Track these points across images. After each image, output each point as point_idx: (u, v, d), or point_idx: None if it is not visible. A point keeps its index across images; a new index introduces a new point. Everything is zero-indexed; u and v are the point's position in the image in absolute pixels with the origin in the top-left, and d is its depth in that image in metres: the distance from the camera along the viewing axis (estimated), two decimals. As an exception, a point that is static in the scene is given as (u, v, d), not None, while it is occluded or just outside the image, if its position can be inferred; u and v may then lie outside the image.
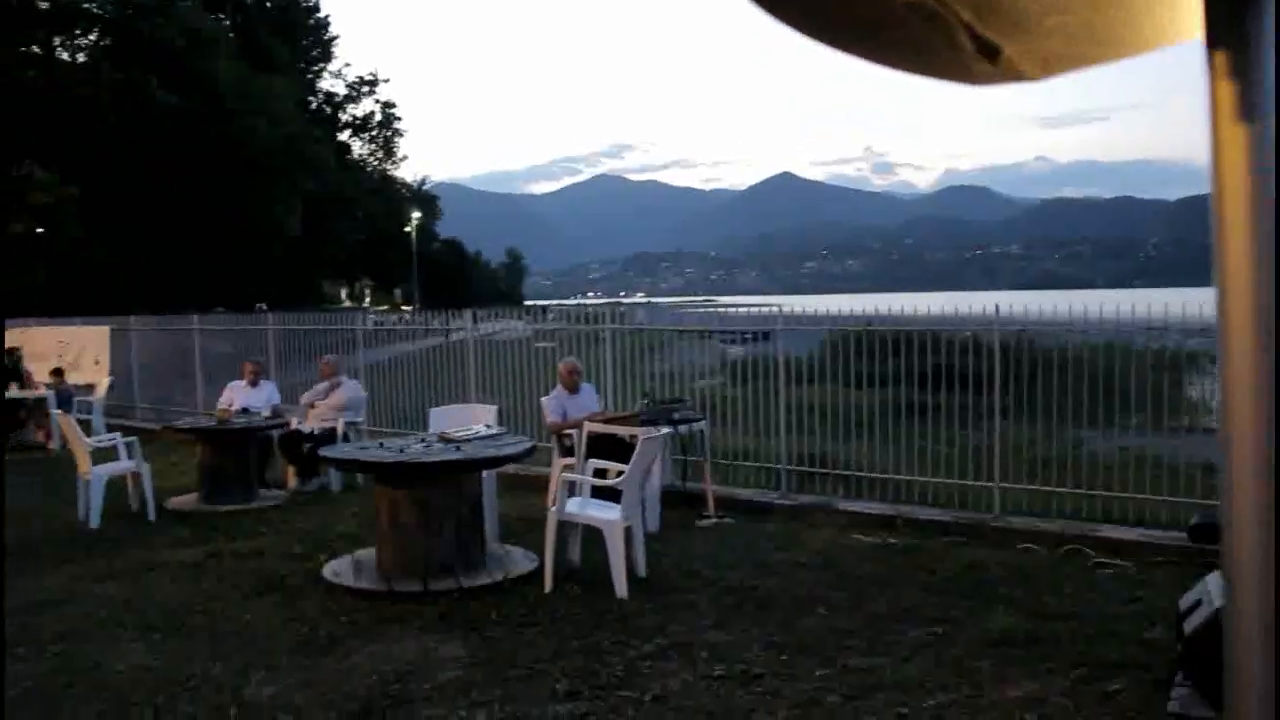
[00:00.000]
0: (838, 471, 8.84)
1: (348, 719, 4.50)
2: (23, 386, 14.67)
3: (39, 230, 26.00)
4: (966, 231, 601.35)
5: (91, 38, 32.72)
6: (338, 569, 6.80)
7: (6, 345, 15.89)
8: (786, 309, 10.04)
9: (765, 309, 9.99)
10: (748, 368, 9.73)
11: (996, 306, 8.10)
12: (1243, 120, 0.48)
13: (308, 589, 6.58)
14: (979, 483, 8.08)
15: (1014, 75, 0.62)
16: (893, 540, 7.51)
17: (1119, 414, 7.82)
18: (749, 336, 11.28)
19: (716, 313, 18.59)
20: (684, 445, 9.04)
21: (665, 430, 7.78)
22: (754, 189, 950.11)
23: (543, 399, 8.85)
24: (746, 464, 9.32)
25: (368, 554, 7.04)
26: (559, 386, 8.60)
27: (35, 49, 31.09)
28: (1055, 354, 8.01)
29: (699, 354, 11.06)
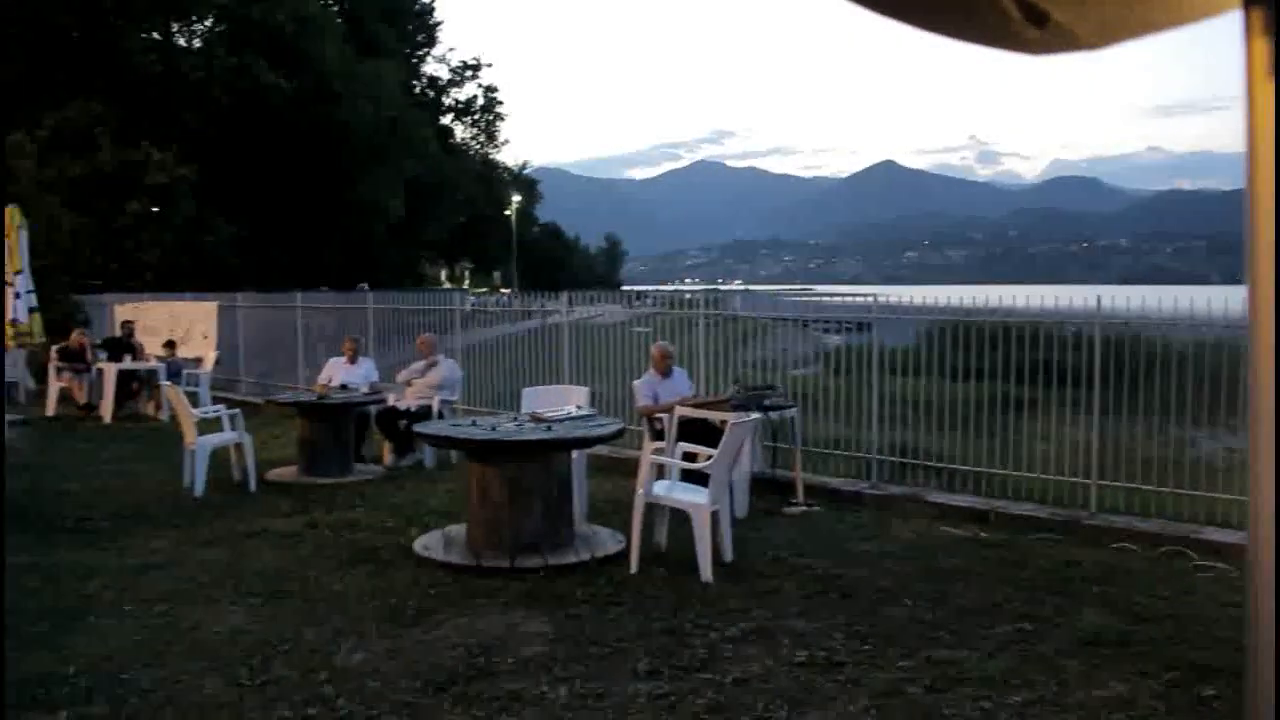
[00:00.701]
0: (930, 463, 8.74)
1: (433, 688, 4.59)
2: (135, 359, 15.21)
3: (154, 209, 26.82)
4: (1073, 223, 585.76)
5: (206, 24, 33.65)
6: (428, 543, 6.94)
7: (122, 319, 16.50)
8: (884, 298, 9.93)
9: (863, 298, 9.86)
10: (843, 357, 9.65)
11: (1099, 299, 7.90)
12: (1275, 77, 0.47)
13: (399, 561, 6.73)
14: (1076, 479, 7.90)
15: (1070, 43, 0.62)
16: (984, 534, 7.40)
17: (1226, 414, 7.56)
18: (846, 326, 11.17)
19: (814, 301, 18.46)
20: (774, 432, 9.01)
21: (755, 416, 7.77)
22: (855, 177, 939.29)
23: (635, 382, 8.89)
24: (837, 453, 9.26)
25: (458, 529, 7.17)
26: (651, 370, 8.64)
27: (155, 35, 32.07)
28: (1160, 350, 7.78)
29: (794, 342, 11.00)
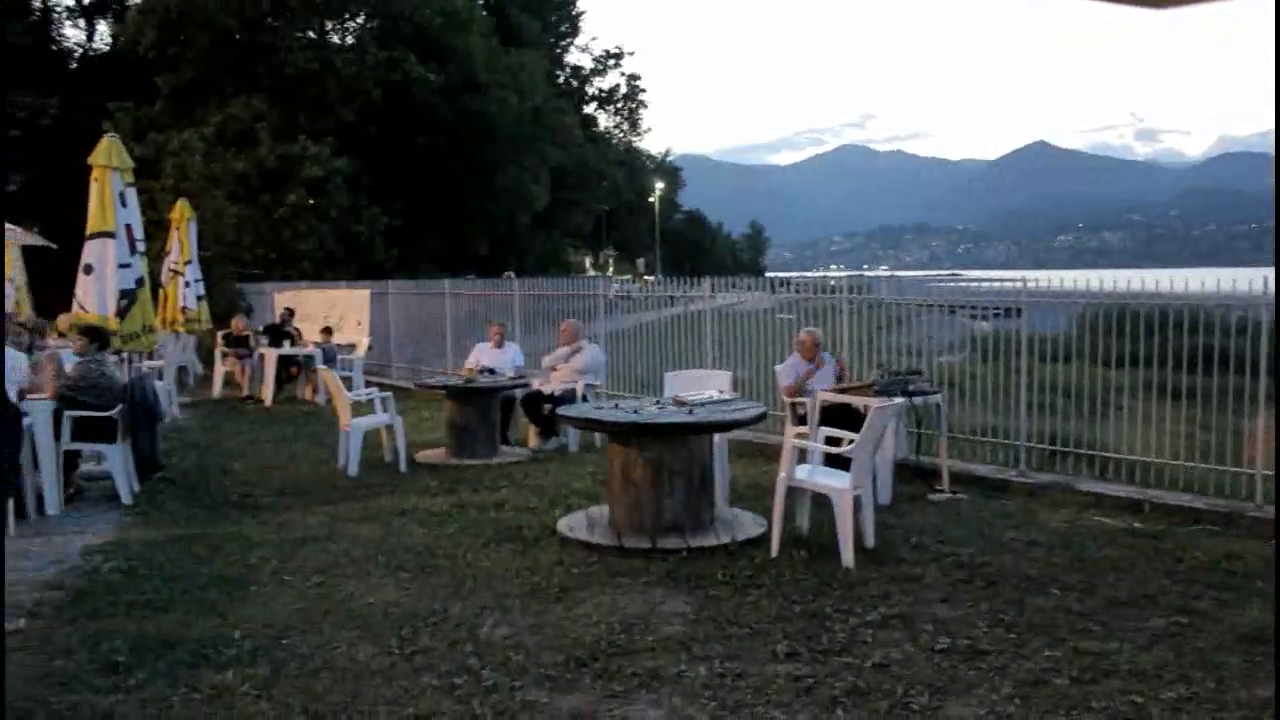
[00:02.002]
0: (1081, 451, 8.48)
1: (574, 663, 4.69)
2: (294, 344, 15.86)
3: (311, 201, 27.84)
4: (1240, 202, 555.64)
5: (358, 21, 34.69)
6: (572, 523, 7.08)
7: (281, 306, 17.21)
8: (1035, 283, 9.65)
9: (1012, 283, 9.60)
10: (991, 343, 9.43)
11: (1265, 280, 7.52)
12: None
13: (543, 540, 6.89)
14: (1240, 470, 7.57)
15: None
16: (1138, 524, 7.15)
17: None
18: (995, 311, 10.91)
19: (961, 286, 18.04)
20: (919, 418, 8.88)
21: (899, 401, 7.68)
22: (1005, 159, 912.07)
23: (776, 366, 8.87)
24: (984, 440, 9.07)
25: (600, 510, 7.29)
26: (796, 354, 8.60)
27: (310, 34, 33.23)
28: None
29: (940, 329, 10.80)
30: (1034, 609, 5.40)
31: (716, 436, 7.36)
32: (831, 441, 7.00)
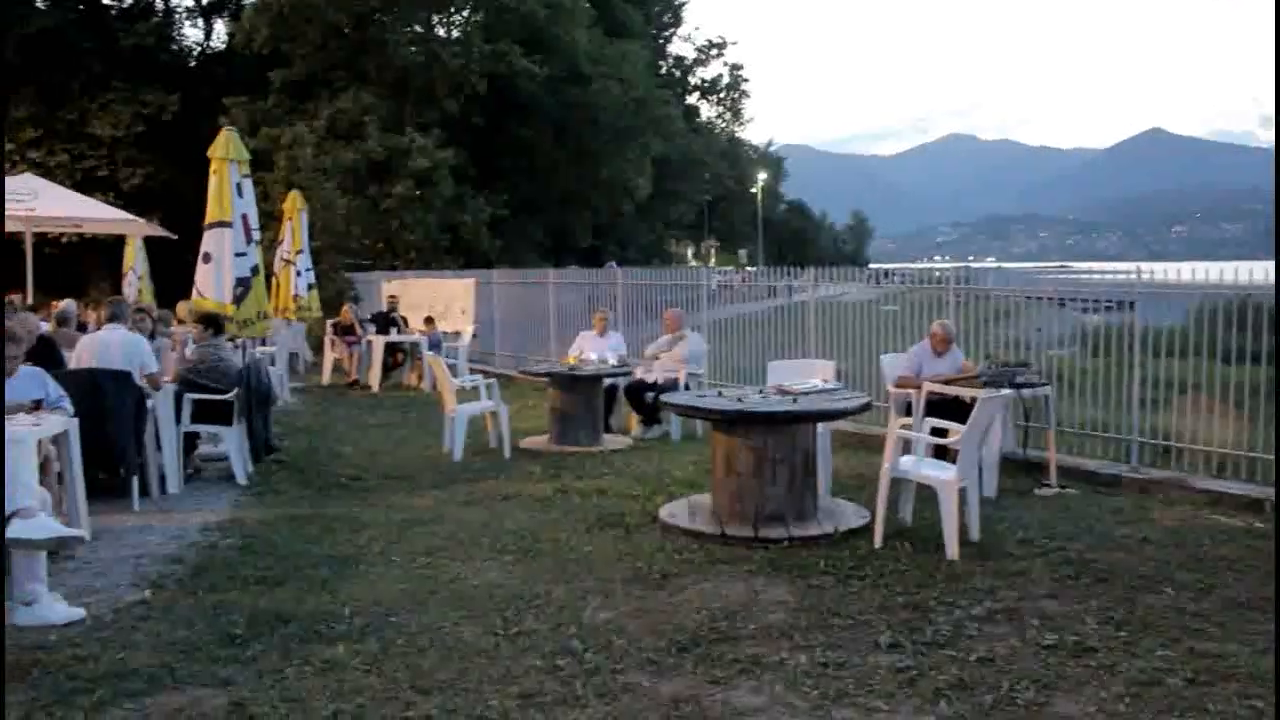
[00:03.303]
0: (1197, 447, 8.22)
1: (676, 648, 4.72)
2: (400, 332, 16.20)
3: (417, 192, 28.32)
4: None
5: (464, 14, 35.13)
6: (674, 510, 7.11)
7: (387, 294, 17.58)
8: (1149, 275, 9.38)
9: (1125, 275, 9.34)
10: (1103, 337, 9.19)
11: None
12: None
13: (645, 527, 6.94)
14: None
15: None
16: (1258, 524, 6.92)
17: None
18: (1107, 304, 10.64)
19: (1071, 278, 17.61)
20: (1027, 411, 8.70)
21: (1007, 392, 7.54)
22: (1118, 146, 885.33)
23: (883, 356, 8.79)
24: (1094, 434, 8.85)
25: (703, 498, 7.31)
26: (925, 343, 8.46)
27: (417, 28, 33.76)
28: None
29: (1050, 321, 10.57)
30: (1146, 607, 5.26)
31: (820, 426, 7.32)
32: (937, 433, 6.91)
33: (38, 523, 4.90)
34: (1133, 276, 8.99)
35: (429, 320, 16.52)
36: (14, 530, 4.85)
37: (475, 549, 6.47)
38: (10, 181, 14.54)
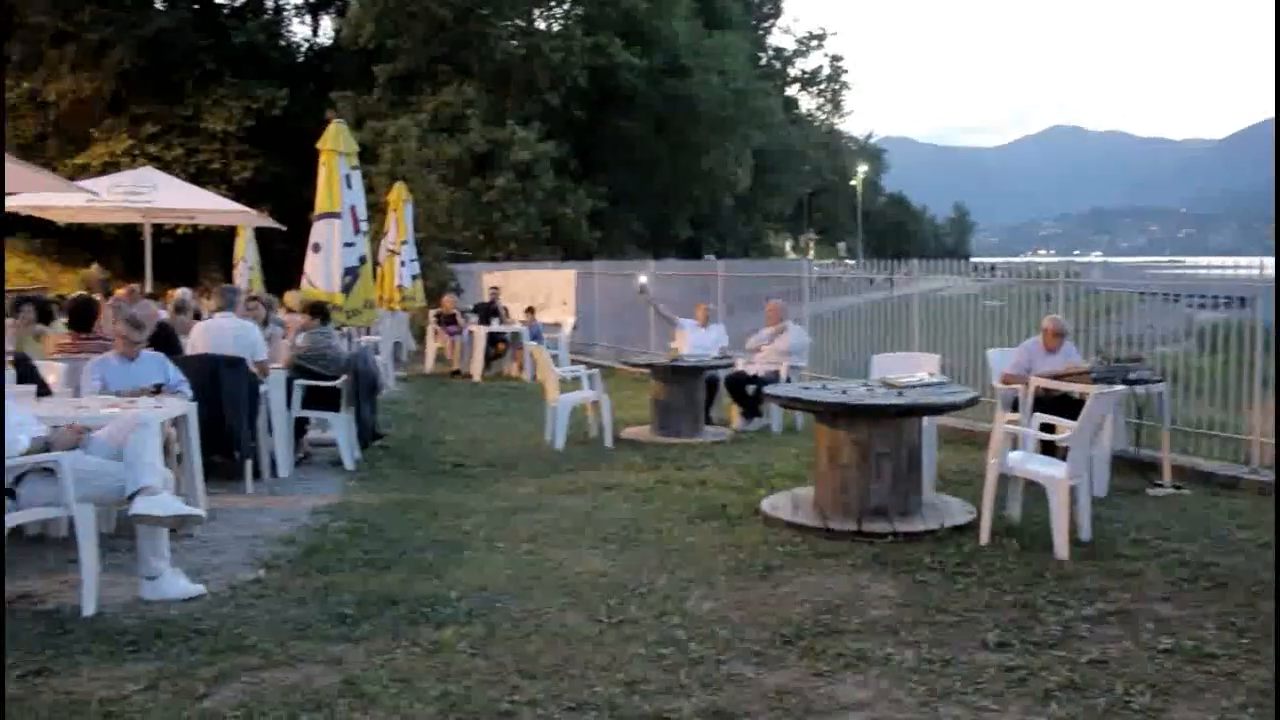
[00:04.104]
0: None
1: (780, 640, 4.70)
2: (502, 322, 16.39)
3: (518, 184, 28.61)
4: None
5: (564, 7, 35.38)
6: (776, 503, 7.08)
7: (489, 285, 17.80)
8: (1270, 271, 9.04)
9: (1244, 270, 9.02)
10: (1219, 334, 8.89)
11: None
12: None
13: (747, 519, 6.92)
14: None
15: None
16: (1388, 529, 6.63)
17: None
18: (1224, 301, 10.28)
19: (1185, 273, 17.08)
20: (1140, 408, 8.47)
21: (1119, 389, 7.34)
22: (1233, 137, 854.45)
23: (989, 351, 8.63)
24: (1210, 433, 8.56)
25: (805, 492, 7.26)
26: (1035, 338, 8.27)
27: (518, 22, 34.11)
28: None
29: (1161, 317, 10.27)
30: (1269, 615, 5.07)
31: (925, 420, 7.22)
32: (1046, 429, 6.76)
33: (161, 500, 5.08)
34: (1254, 272, 8.67)
35: (530, 311, 16.69)
36: (138, 507, 5.03)
37: (578, 537, 6.52)
38: (130, 175, 15.05)
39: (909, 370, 7.89)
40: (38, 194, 11.51)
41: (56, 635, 4.72)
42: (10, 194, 11.20)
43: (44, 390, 6.59)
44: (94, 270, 15.20)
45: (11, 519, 5.10)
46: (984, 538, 6.27)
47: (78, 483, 5.02)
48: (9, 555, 5.24)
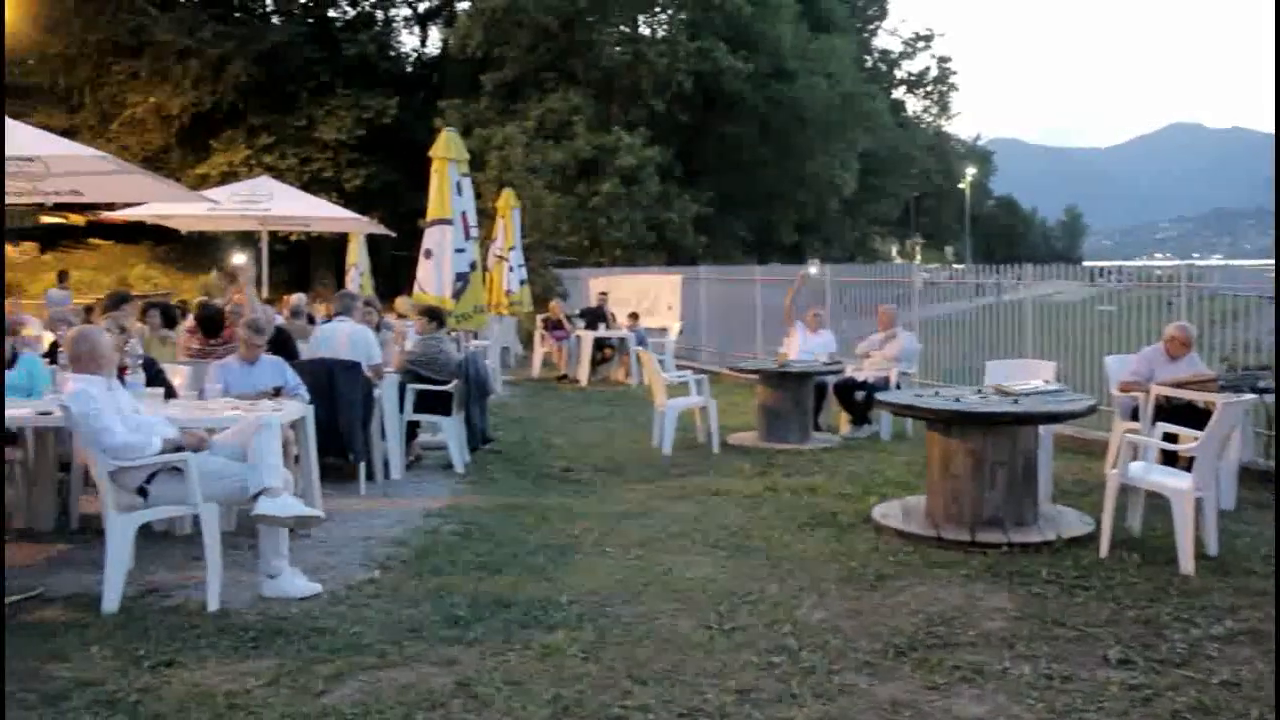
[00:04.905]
0: None
1: (893, 651, 4.63)
2: (608, 327, 16.48)
3: (624, 189, 28.76)
4: None
5: (669, 12, 35.50)
6: (887, 511, 6.98)
7: (597, 290, 17.92)
8: None
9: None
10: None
11: None
12: None
13: (857, 527, 6.83)
14: None
15: None
16: None
17: None
18: None
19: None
20: (1269, 418, 8.14)
21: (1248, 398, 7.06)
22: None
23: (1106, 357, 8.38)
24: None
25: (916, 500, 7.15)
26: (1157, 345, 7.97)
27: (623, 28, 34.34)
28: None
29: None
30: None
31: (1042, 428, 7.04)
32: (1169, 438, 6.53)
33: (282, 501, 5.22)
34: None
35: (633, 316, 16.76)
36: (261, 507, 5.18)
37: (687, 543, 6.51)
38: (248, 184, 15.49)
39: (1024, 377, 7.72)
40: (165, 203, 11.92)
41: (183, 629, 4.88)
42: (140, 203, 11.66)
43: (170, 393, 6.81)
44: (214, 277, 15.73)
45: (143, 516, 5.31)
46: (1103, 550, 6.08)
47: (204, 482, 5.19)
48: (140, 549, 5.44)
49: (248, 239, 24.86)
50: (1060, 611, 5.16)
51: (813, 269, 14.68)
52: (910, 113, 60.98)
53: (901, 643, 4.72)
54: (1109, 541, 6.11)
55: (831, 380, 10.67)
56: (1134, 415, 7.67)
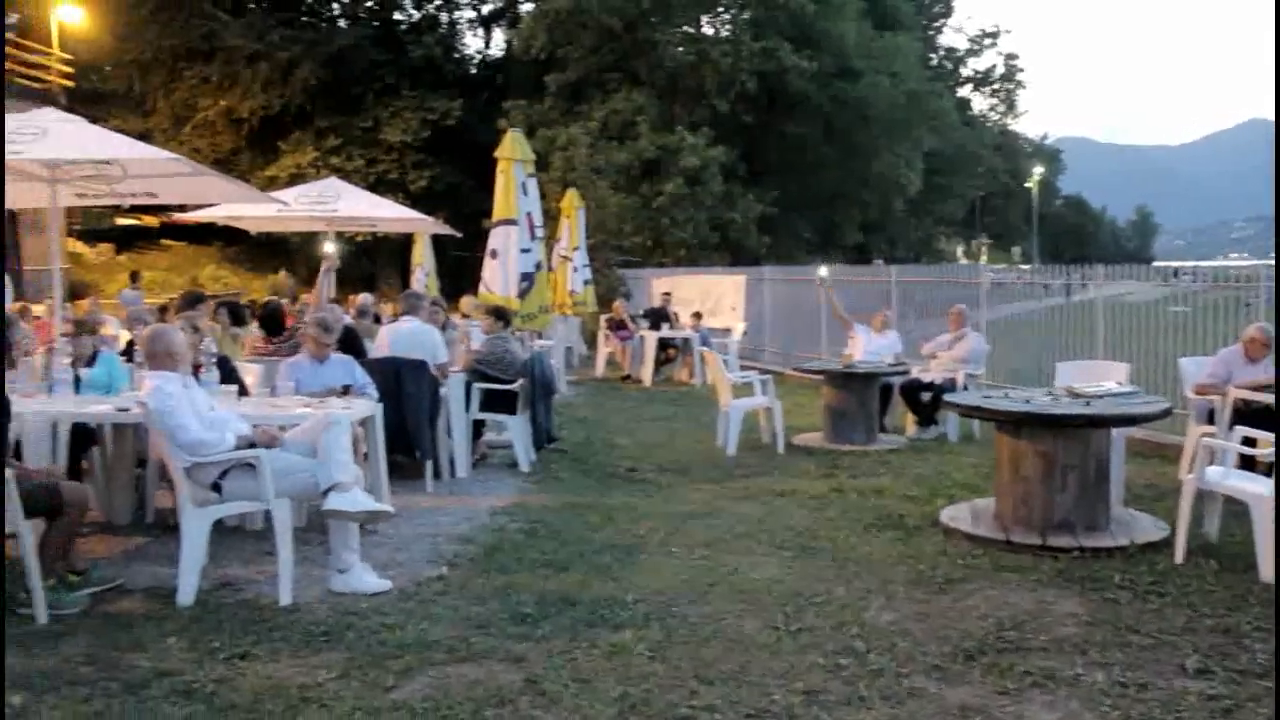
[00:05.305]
0: None
1: (962, 655, 4.57)
2: (672, 328, 16.49)
3: (687, 190, 28.75)
4: None
5: (733, 12, 35.44)
6: (955, 514, 6.90)
7: (660, 290, 17.93)
8: None
9: None
10: None
11: None
12: None
13: (925, 530, 6.76)
14: None
15: None
16: None
17: None
18: None
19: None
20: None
21: (1331, 401, 6.87)
22: None
23: (1181, 359, 8.22)
24: None
25: (985, 503, 7.05)
26: (1235, 347, 7.77)
27: (687, 29, 34.34)
28: None
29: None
30: None
31: (1114, 431, 6.92)
32: (1248, 442, 6.38)
33: (352, 496, 5.30)
34: None
35: (696, 316, 16.74)
36: (331, 502, 5.26)
37: (753, 543, 6.49)
38: (316, 185, 15.65)
39: (1096, 379, 7.59)
40: (236, 204, 12.11)
41: (256, 622, 4.96)
42: (212, 204, 11.88)
43: (243, 390, 6.93)
44: (283, 277, 15.97)
45: (217, 511, 5.41)
46: (1179, 556, 5.95)
47: (276, 479, 5.27)
48: (212, 543, 5.54)
49: (314, 239, 25.24)
50: (1134, 618, 5.06)
51: (823, 270, 14.63)
52: (976, 111, 60.28)
53: (971, 647, 4.67)
54: (1185, 548, 5.98)
55: (897, 381, 10.58)
56: (1210, 419, 7.50)
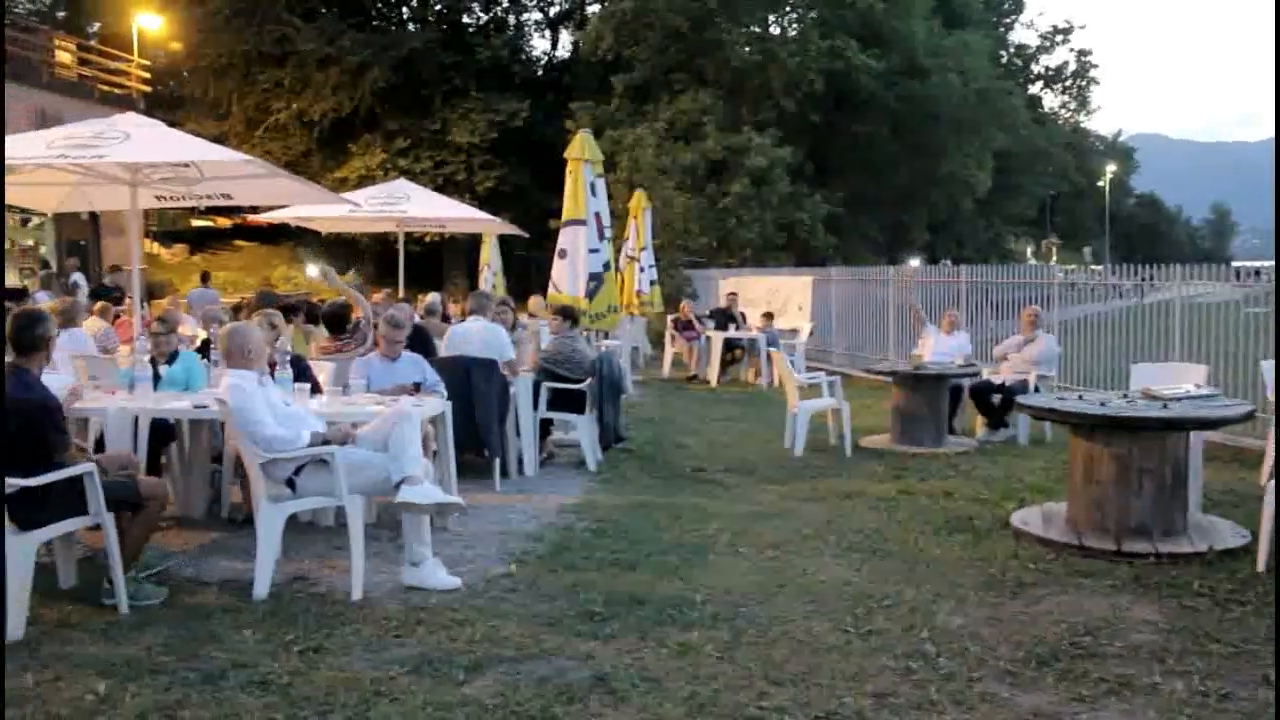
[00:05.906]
0: None
1: (1035, 661, 4.51)
2: (739, 328, 16.44)
3: (754, 190, 28.64)
4: None
5: (799, 11, 35.25)
6: (1026, 518, 6.80)
7: (726, 291, 17.89)
8: None
9: None
10: None
11: None
12: None
13: (995, 533, 6.67)
14: None
15: None
16: None
17: None
18: None
19: None
20: None
21: None
22: None
23: (1263, 362, 8.02)
24: None
25: (1057, 507, 6.94)
26: None
27: (754, 28, 34.22)
28: None
29: None
30: None
31: (1192, 435, 6.77)
32: (1332, 448, 6.22)
33: (423, 489, 5.36)
34: None
35: (767, 316, 16.68)
36: (403, 494, 5.33)
37: (821, 545, 6.45)
38: (385, 187, 15.86)
39: (1173, 381, 7.43)
40: (308, 205, 12.31)
41: (329, 616, 5.04)
42: (284, 205, 12.09)
43: (315, 389, 7.03)
44: (351, 277, 16.18)
45: (292, 506, 5.51)
46: (1261, 564, 5.81)
47: (348, 475, 5.35)
48: (285, 538, 5.63)
49: (382, 240, 25.56)
50: (1214, 626, 4.95)
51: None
52: (1047, 109, 59.30)
53: (1044, 652, 4.60)
54: (1267, 555, 5.84)
55: (967, 383, 10.46)
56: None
